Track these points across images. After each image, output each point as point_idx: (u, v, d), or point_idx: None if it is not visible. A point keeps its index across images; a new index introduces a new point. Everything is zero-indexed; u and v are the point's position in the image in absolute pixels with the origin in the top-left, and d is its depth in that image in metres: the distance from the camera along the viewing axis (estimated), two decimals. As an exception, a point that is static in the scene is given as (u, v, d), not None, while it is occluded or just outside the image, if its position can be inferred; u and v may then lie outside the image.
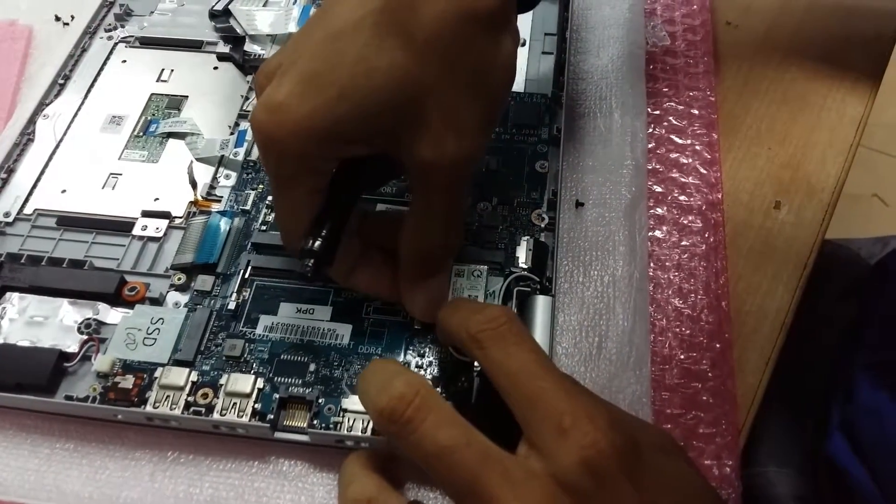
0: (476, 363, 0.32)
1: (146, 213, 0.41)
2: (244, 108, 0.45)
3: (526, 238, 0.38)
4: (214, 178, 0.42)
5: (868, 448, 0.50)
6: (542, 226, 0.39)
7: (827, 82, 0.49)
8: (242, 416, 0.33)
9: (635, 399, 0.36)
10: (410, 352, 0.35)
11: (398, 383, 0.27)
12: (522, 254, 0.38)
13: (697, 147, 0.45)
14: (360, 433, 0.33)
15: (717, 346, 0.38)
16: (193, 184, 0.41)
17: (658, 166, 0.45)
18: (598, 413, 0.26)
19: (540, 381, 0.26)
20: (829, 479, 0.52)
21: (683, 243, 0.42)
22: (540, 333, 0.35)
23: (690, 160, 0.45)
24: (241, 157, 0.43)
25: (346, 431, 0.33)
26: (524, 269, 0.37)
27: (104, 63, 0.49)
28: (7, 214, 0.41)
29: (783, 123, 0.48)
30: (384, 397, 0.27)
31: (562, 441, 0.25)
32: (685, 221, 0.42)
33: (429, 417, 0.26)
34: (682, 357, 0.38)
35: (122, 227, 0.41)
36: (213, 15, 0.49)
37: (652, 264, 0.41)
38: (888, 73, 0.51)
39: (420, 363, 0.35)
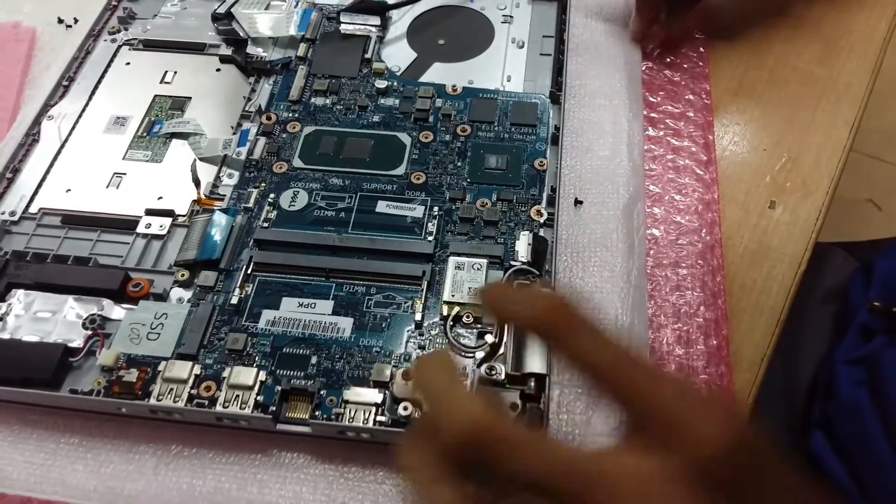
0: None
1: (150, 212, 0.41)
2: (246, 108, 0.46)
3: (525, 233, 0.39)
4: (217, 177, 0.43)
5: (846, 444, 0.50)
6: (542, 221, 0.40)
7: (821, 85, 0.50)
8: (245, 409, 0.34)
9: (633, 392, 0.36)
10: (411, 344, 0.36)
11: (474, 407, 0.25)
12: (522, 248, 0.38)
13: (693, 148, 0.46)
14: (361, 424, 0.33)
15: (714, 342, 0.39)
16: (196, 182, 0.41)
17: (655, 167, 0.45)
18: (718, 406, 0.23)
19: (643, 373, 0.24)
20: (813, 476, 0.52)
21: (680, 242, 0.42)
22: (539, 327, 0.35)
23: (686, 161, 0.46)
24: (243, 157, 0.43)
25: (347, 422, 0.33)
26: (524, 263, 0.38)
27: (108, 65, 0.49)
28: (13, 213, 0.42)
29: (778, 125, 0.48)
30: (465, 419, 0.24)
31: (688, 433, 0.22)
32: (682, 220, 0.43)
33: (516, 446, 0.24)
34: (679, 353, 0.38)
35: (126, 225, 0.41)
36: (216, 18, 0.50)
37: (649, 262, 0.41)
38: (881, 79, 0.52)
39: (421, 355, 0.36)
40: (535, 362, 0.34)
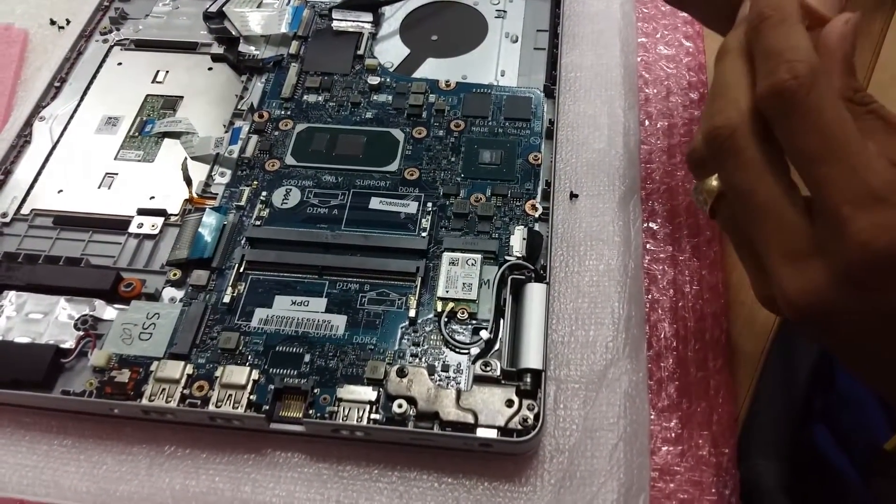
0: None
1: (142, 211, 0.41)
2: (238, 107, 0.46)
3: (520, 227, 0.38)
4: (209, 176, 0.43)
5: (849, 436, 0.50)
6: (537, 216, 0.39)
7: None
8: (238, 408, 0.33)
9: (631, 387, 0.36)
10: (405, 341, 0.36)
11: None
12: (517, 242, 0.38)
13: (685, 140, 0.46)
14: (355, 422, 0.33)
15: (714, 335, 0.38)
16: (188, 181, 0.41)
17: (651, 159, 0.45)
18: None
19: None
20: (814, 469, 0.52)
21: (677, 235, 0.42)
22: (535, 320, 0.35)
23: (683, 153, 0.45)
24: (235, 155, 0.43)
25: (341, 421, 0.33)
26: (518, 258, 0.37)
27: (100, 65, 0.49)
28: (4, 215, 0.42)
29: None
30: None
31: None
32: (678, 213, 0.43)
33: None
34: (678, 346, 0.38)
35: (118, 225, 0.41)
36: (208, 17, 0.49)
37: (646, 255, 0.41)
38: (883, 72, 0.51)
39: (415, 352, 0.35)
40: (530, 358, 0.34)
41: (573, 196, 0.42)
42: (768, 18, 0.25)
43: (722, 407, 0.37)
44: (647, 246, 0.41)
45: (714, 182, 0.29)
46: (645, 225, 0.42)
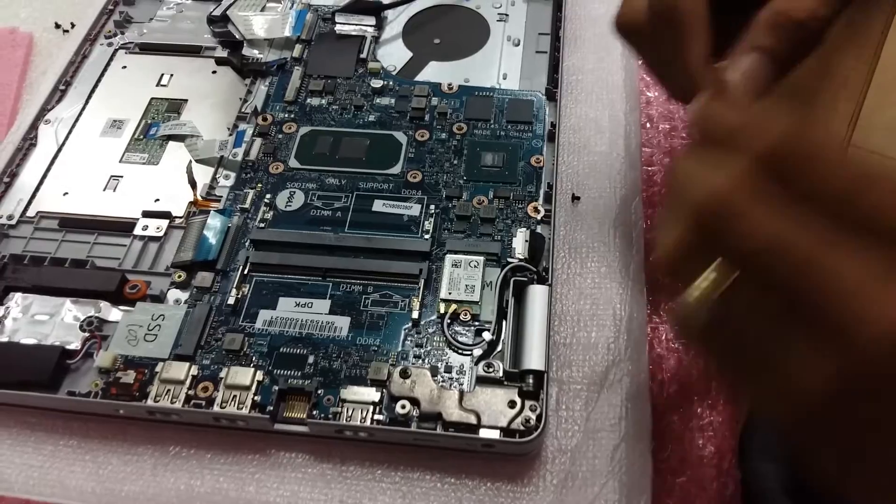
0: None
1: (147, 214, 0.41)
2: (242, 110, 0.46)
3: (522, 230, 0.39)
4: (214, 179, 0.43)
5: None
6: (539, 218, 0.40)
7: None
8: (242, 409, 0.34)
9: (633, 388, 0.36)
10: (408, 343, 0.36)
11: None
12: (519, 245, 0.38)
13: (686, 141, 0.46)
14: (359, 423, 0.33)
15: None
16: (193, 184, 0.41)
17: (652, 161, 0.45)
18: None
19: None
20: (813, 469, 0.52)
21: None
22: (537, 322, 0.35)
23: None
24: (239, 158, 0.43)
25: (345, 422, 0.33)
26: (521, 260, 0.38)
27: (104, 69, 0.49)
28: (10, 217, 0.42)
29: (776, 118, 0.48)
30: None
31: None
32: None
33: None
34: (679, 347, 0.38)
35: (123, 227, 0.41)
36: (212, 20, 0.50)
37: (648, 253, 0.41)
38: (884, 74, 0.52)
39: (419, 353, 0.35)
40: (533, 359, 0.34)
41: (575, 198, 0.43)
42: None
43: (723, 408, 0.37)
44: (649, 246, 0.42)
45: (712, 274, 0.20)
46: (646, 227, 0.42)
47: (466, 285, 0.37)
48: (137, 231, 0.41)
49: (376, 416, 0.33)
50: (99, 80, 0.49)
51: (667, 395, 0.37)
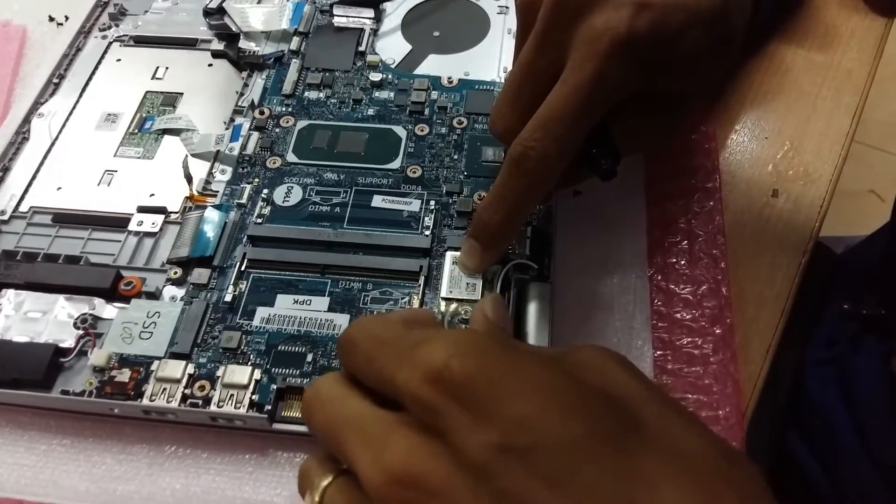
0: None
1: (142, 209, 0.41)
2: (239, 103, 0.45)
3: (523, 226, 0.38)
4: (210, 173, 0.42)
5: (820, 446, 0.50)
6: (540, 214, 0.39)
7: (822, 72, 0.49)
8: (240, 408, 0.33)
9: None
10: (408, 341, 0.35)
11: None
12: (520, 241, 0.37)
13: (693, 137, 0.45)
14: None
15: (719, 330, 0.38)
16: (189, 179, 0.41)
17: (654, 158, 0.44)
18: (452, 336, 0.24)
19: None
20: (790, 475, 0.52)
21: (682, 228, 0.42)
22: (537, 320, 0.35)
23: (686, 151, 0.45)
24: (236, 152, 0.43)
25: (344, 421, 0.32)
26: (522, 257, 0.37)
27: (99, 62, 0.49)
28: (3, 212, 0.41)
29: (779, 113, 0.48)
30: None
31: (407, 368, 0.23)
32: (683, 209, 0.42)
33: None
34: (683, 342, 0.38)
35: (117, 223, 0.40)
36: (207, 13, 0.49)
37: (651, 251, 0.41)
38: (883, 69, 0.51)
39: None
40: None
41: (576, 193, 0.42)
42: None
43: (729, 402, 0.36)
44: (651, 240, 0.41)
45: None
46: (649, 221, 0.42)
47: (467, 283, 0.36)
48: (132, 227, 0.40)
49: (376, 416, 0.33)
50: (93, 74, 0.48)
51: (672, 390, 0.37)
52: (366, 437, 0.23)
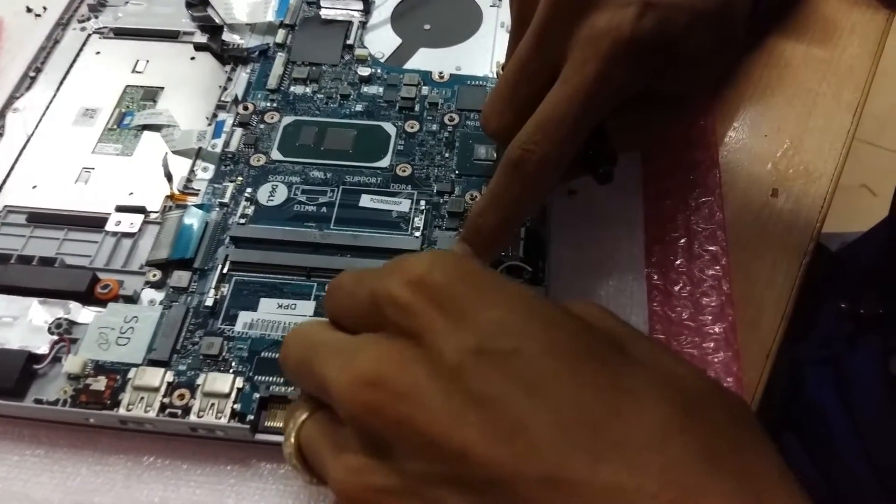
0: None
1: (120, 209, 0.39)
2: (222, 98, 0.44)
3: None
4: (191, 171, 0.41)
5: (816, 447, 0.49)
6: (534, 215, 0.38)
7: (822, 67, 0.48)
8: (221, 418, 0.32)
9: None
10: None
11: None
12: (514, 243, 0.36)
13: (691, 132, 0.44)
14: (345, 433, 0.31)
15: (720, 329, 0.37)
16: (169, 177, 0.39)
17: (652, 153, 0.43)
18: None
19: None
20: None
21: (681, 225, 0.40)
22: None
23: (685, 146, 0.44)
24: (218, 149, 0.41)
25: (330, 431, 0.31)
26: (516, 259, 0.36)
27: (77, 55, 0.47)
28: (-26, 212, 0.40)
29: (778, 110, 0.46)
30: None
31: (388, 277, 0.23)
32: (681, 206, 0.41)
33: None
34: (683, 342, 0.37)
35: (94, 222, 0.39)
36: (190, 4, 0.47)
37: (648, 249, 0.39)
38: (885, 62, 0.50)
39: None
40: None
41: (571, 192, 0.41)
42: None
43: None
44: (649, 239, 0.40)
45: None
46: (646, 219, 0.40)
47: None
48: (110, 227, 0.39)
49: (363, 426, 0.31)
50: (71, 67, 0.46)
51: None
52: (338, 351, 0.23)
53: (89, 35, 0.48)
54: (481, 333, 0.20)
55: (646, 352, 0.22)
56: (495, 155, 0.40)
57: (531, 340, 0.20)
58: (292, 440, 0.26)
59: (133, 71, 0.46)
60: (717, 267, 0.39)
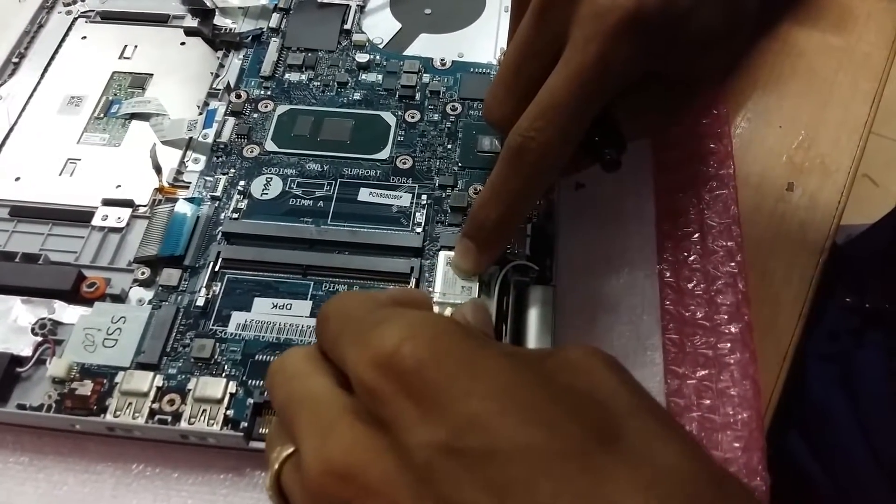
0: None
1: (107, 202, 0.38)
2: (213, 86, 0.42)
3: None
4: (181, 163, 0.39)
5: (820, 444, 0.48)
6: (541, 210, 0.36)
7: (837, 56, 0.47)
8: (213, 425, 0.30)
9: (648, 387, 0.33)
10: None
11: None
12: (519, 239, 0.35)
13: (704, 121, 0.42)
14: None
15: (736, 329, 0.35)
16: (158, 169, 0.38)
17: (663, 144, 0.42)
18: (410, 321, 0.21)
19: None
20: (790, 476, 0.50)
21: (694, 219, 0.39)
22: (539, 327, 0.32)
23: (697, 138, 0.42)
24: (210, 140, 0.39)
25: (328, 440, 0.29)
26: (522, 257, 0.34)
27: (62, 40, 0.45)
28: (-45, 206, 0.38)
29: (793, 100, 0.45)
30: None
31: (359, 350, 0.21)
32: (694, 200, 0.39)
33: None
34: (697, 342, 0.35)
35: (80, 217, 0.37)
36: (180, -13, 0.45)
37: (660, 245, 0.38)
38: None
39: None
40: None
41: (579, 186, 0.39)
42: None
43: (748, 403, 0.34)
44: (661, 235, 0.38)
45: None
46: (658, 214, 0.39)
47: (462, 286, 0.33)
48: (96, 221, 0.37)
49: (363, 434, 0.30)
50: (56, 52, 0.44)
51: (685, 392, 0.34)
52: (315, 421, 0.21)
53: (75, 19, 0.46)
54: (451, 428, 0.19)
55: (639, 434, 0.20)
56: (500, 146, 0.38)
57: (504, 439, 0.19)
58: (271, 480, 0.24)
59: (121, 57, 0.44)
60: (732, 263, 0.37)
